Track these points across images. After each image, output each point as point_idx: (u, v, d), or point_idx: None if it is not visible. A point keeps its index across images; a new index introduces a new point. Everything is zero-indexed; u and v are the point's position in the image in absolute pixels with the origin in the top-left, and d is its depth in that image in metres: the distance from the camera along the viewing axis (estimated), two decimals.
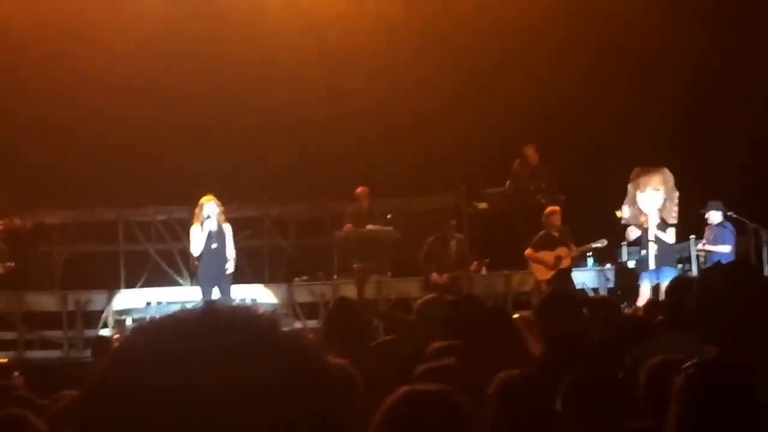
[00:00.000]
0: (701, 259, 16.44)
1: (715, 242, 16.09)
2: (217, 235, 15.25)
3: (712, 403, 3.60)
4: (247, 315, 1.41)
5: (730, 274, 4.54)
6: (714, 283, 4.49)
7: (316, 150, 18.88)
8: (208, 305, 1.42)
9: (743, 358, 4.23)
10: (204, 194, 15.42)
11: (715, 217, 16.17)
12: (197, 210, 15.22)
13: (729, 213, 16.31)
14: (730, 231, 16.18)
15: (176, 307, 1.42)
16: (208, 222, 15.15)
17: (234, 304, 1.24)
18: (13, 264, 17.00)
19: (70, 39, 18.48)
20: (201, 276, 15.58)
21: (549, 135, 18.54)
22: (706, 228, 16.27)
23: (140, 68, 18.43)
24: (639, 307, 13.60)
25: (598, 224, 17.12)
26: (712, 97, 18.67)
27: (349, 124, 18.79)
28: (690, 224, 16.54)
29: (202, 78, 18.58)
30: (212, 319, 1.38)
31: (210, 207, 15.16)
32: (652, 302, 10.03)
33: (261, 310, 1.43)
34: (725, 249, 15.90)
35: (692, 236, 16.63)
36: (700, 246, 16.33)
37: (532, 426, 4.26)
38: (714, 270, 4.79)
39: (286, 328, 1.41)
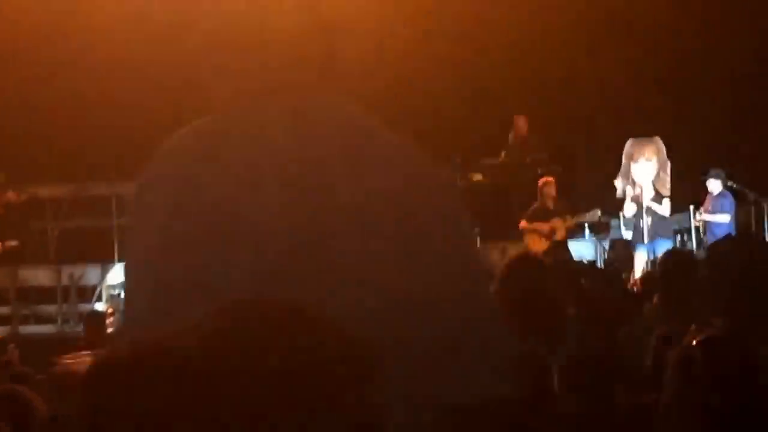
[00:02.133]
0: (700, 230, 16.45)
1: (714, 212, 16.05)
2: None
3: (716, 379, 3.59)
4: (270, 310, 1.44)
5: (741, 248, 4.55)
6: (724, 257, 4.50)
7: None
8: (241, 307, 1.46)
9: (750, 332, 4.25)
10: None
11: (715, 186, 16.14)
12: None
13: (729, 183, 16.29)
14: (729, 201, 16.14)
15: None
16: None
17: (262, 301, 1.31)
18: (15, 243, 17.07)
19: (63, 13, 18.47)
20: None
21: (546, 105, 18.56)
22: (707, 198, 16.26)
23: (133, 42, 18.39)
24: (636, 279, 13.66)
25: (596, 195, 17.16)
26: (711, 65, 18.71)
27: (343, 95, 18.75)
28: (689, 195, 16.57)
29: (193, 54, 18.51)
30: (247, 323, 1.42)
31: None
32: (649, 276, 10.04)
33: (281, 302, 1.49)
34: (724, 219, 15.87)
35: (691, 206, 16.65)
36: (699, 216, 16.31)
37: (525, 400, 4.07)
38: (724, 244, 4.81)
39: (305, 317, 1.44)
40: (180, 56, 18.45)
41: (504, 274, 5.85)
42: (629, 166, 16.09)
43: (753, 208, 17.01)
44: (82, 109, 18.03)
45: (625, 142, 16.50)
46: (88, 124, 17.99)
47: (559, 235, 16.22)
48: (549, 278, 6.13)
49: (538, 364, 4.45)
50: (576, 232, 17.18)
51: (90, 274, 17.49)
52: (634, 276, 14.48)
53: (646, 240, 15.39)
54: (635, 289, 9.79)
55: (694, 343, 3.70)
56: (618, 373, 4.67)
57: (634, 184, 15.90)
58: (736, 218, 16.21)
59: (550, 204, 16.42)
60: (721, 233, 14.97)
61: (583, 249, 17.39)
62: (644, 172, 15.90)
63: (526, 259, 6.25)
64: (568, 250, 16.15)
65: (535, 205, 16.49)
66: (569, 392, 4.51)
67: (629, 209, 15.90)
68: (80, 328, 16.00)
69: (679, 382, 3.66)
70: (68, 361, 5.44)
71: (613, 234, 17.60)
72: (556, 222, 16.23)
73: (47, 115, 18.02)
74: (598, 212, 16.84)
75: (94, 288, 17.37)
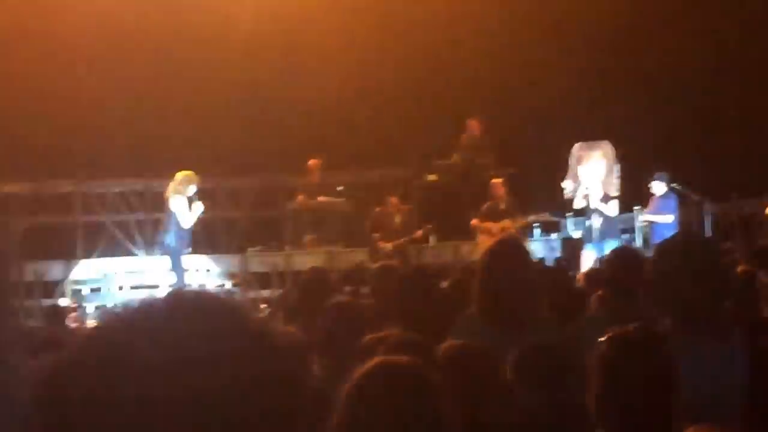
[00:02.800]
0: (645, 230, 16.82)
1: (658, 213, 16.39)
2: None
3: (629, 374, 3.65)
4: (211, 303, 1.46)
5: (688, 248, 4.66)
6: (672, 257, 4.61)
7: (269, 123, 19.11)
8: (176, 294, 1.46)
9: (695, 329, 4.39)
10: (173, 167, 15.49)
11: (659, 188, 16.48)
12: (184, 182, 15.30)
13: (672, 184, 16.69)
14: (673, 202, 16.49)
15: (135, 291, 1.52)
16: (197, 202, 15.31)
17: (198, 290, 1.38)
18: None
19: (28, 11, 18.61)
20: (179, 248, 15.49)
21: (500, 107, 18.79)
22: (651, 199, 16.72)
23: (96, 43, 18.55)
24: (580, 276, 13.96)
25: (547, 195, 17.48)
26: (661, 68, 19.08)
27: (301, 97, 19.00)
28: (635, 195, 16.95)
29: (157, 52, 18.73)
30: (180, 309, 1.44)
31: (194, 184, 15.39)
32: (594, 273, 10.24)
33: (223, 296, 1.49)
34: (668, 219, 16.20)
35: (636, 207, 17.05)
36: (643, 216, 16.70)
37: (479, 394, 4.22)
38: (672, 243, 4.94)
39: (245, 313, 1.46)
40: (144, 55, 18.79)
41: (487, 259, 5.90)
42: (576, 168, 16.46)
43: (695, 209, 17.43)
44: (45, 108, 18.14)
45: (574, 144, 16.87)
46: (54, 123, 18.10)
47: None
48: (529, 264, 6.16)
49: (491, 355, 4.51)
50: (526, 231, 17.50)
51: (54, 270, 17.67)
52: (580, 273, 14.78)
53: (594, 240, 15.74)
54: (579, 285, 9.97)
55: (606, 342, 3.74)
56: (567, 368, 4.61)
57: (582, 185, 16.25)
58: (679, 219, 16.62)
59: (501, 204, 16.72)
60: (665, 233, 15.21)
61: (533, 248, 17.70)
62: (593, 174, 16.27)
63: (508, 244, 6.26)
64: None
65: (487, 205, 16.78)
66: (521, 384, 4.55)
67: (579, 203, 16.19)
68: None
69: (595, 379, 3.74)
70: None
71: (563, 233, 17.96)
72: (507, 222, 16.59)
73: (12, 113, 18.12)
74: (547, 215, 17.28)
75: (57, 284, 17.57)
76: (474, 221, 16.76)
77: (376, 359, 3.34)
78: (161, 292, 1.60)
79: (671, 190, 16.58)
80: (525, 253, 6.14)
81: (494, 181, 17.01)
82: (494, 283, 5.73)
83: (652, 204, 16.56)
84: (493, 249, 6.01)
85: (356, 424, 3.15)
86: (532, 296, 5.80)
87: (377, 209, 17.46)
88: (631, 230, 17.33)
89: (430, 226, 17.52)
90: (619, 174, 17.28)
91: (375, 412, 3.16)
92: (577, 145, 16.78)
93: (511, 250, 5.98)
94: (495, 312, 5.62)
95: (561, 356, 4.69)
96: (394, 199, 17.46)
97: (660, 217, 16.30)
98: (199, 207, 15.27)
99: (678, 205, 16.60)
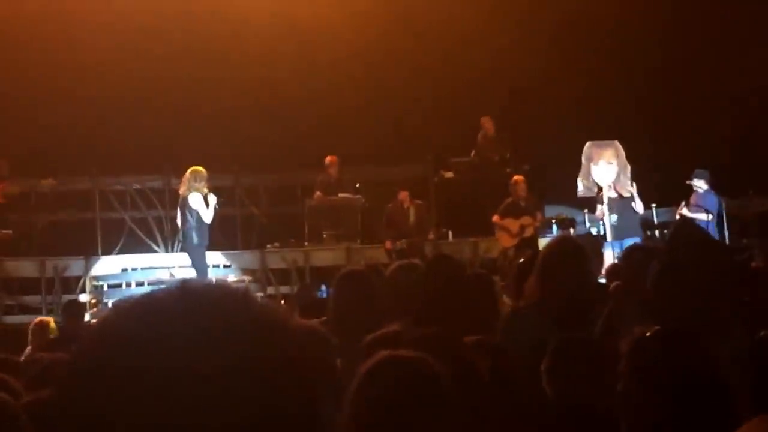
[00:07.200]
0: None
1: (699, 208, 16.40)
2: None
3: (669, 372, 3.66)
4: (221, 293, 1.43)
5: (694, 254, 4.78)
6: (676, 264, 4.71)
7: (287, 120, 19.21)
8: (185, 284, 1.43)
9: (699, 325, 4.39)
10: (191, 164, 15.48)
11: (701, 184, 16.54)
12: (199, 178, 15.23)
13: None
14: (715, 198, 16.59)
15: (154, 287, 1.47)
16: (210, 194, 15.32)
17: (208, 281, 1.48)
18: (9, 231, 17.34)
19: (46, 13, 18.76)
20: (202, 245, 15.48)
21: (516, 103, 18.94)
22: (693, 195, 16.62)
23: (115, 42, 18.68)
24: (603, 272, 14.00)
25: (564, 192, 17.53)
26: (676, 66, 19.14)
27: (319, 94, 19.11)
28: (646, 193, 17.00)
29: (175, 50, 18.85)
30: (190, 298, 1.41)
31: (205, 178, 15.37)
32: (613, 268, 10.32)
33: (233, 286, 1.46)
34: (703, 217, 16.16)
35: (653, 204, 17.10)
36: (681, 210, 16.61)
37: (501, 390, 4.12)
38: (677, 250, 4.92)
39: (257, 302, 1.44)
40: (162, 53, 18.92)
41: (547, 257, 5.96)
42: (589, 167, 16.49)
43: None
44: (67, 105, 18.29)
45: (587, 140, 16.91)
46: (73, 120, 18.25)
47: (528, 232, 16.66)
48: (589, 262, 6.24)
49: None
50: (545, 228, 17.51)
51: (74, 266, 17.74)
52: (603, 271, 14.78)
53: (609, 238, 15.73)
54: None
55: (648, 335, 3.75)
56: (602, 362, 4.54)
57: (595, 184, 16.28)
58: (718, 217, 16.58)
59: (521, 201, 16.83)
60: None
61: None
62: (605, 174, 16.28)
63: (569, 242, 6.35)
64: (537, 247, 16.53)
65: (507, 201, 16.90)
66: (555, 378, 4.56)
67: (599, 210, 16.20)
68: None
69: (631, 373, 3.72)
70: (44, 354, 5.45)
71: (579, 229, 17.97)
72: (526, 219, 16.68)
73: (31, 113, 18.27)
74: (565, 214, 17.38)
75: (78, 279, 17.64)
76: (495, 217, 16.83)
77: (381, 354, 3.29)
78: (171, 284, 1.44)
79: (712, 187, 16.57)
80: (585, 252, 6.20)
81: (516, 177, 17.08)
82: (555, 280, 5.78)
83: (695, 199, 16.53)
84: (553, 248, 6.09)
85: (363, 419, 3.14)
86: (590, 294, 5.88)
87: (389, 206, 17.49)
88: (661, 225, 17.29)
89: (445, 230, 17.51)
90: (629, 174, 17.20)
91: (381, 407, 3.14)
92: (588, 144, 16.77)
93: (572, 248, 6.05)
94: (555, 309, 5.67)
95: (595, 351, 4.68)
96: (404, 194, 17.43)
97: (696, 215, 16.23)
98: (213, 200, 15.31)
99: (719, 203, 16.59)
